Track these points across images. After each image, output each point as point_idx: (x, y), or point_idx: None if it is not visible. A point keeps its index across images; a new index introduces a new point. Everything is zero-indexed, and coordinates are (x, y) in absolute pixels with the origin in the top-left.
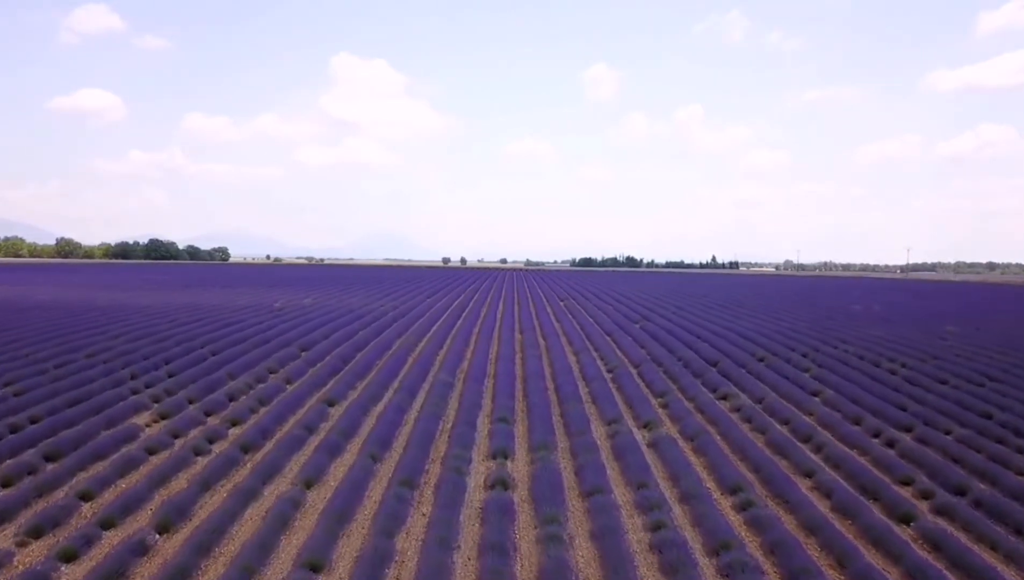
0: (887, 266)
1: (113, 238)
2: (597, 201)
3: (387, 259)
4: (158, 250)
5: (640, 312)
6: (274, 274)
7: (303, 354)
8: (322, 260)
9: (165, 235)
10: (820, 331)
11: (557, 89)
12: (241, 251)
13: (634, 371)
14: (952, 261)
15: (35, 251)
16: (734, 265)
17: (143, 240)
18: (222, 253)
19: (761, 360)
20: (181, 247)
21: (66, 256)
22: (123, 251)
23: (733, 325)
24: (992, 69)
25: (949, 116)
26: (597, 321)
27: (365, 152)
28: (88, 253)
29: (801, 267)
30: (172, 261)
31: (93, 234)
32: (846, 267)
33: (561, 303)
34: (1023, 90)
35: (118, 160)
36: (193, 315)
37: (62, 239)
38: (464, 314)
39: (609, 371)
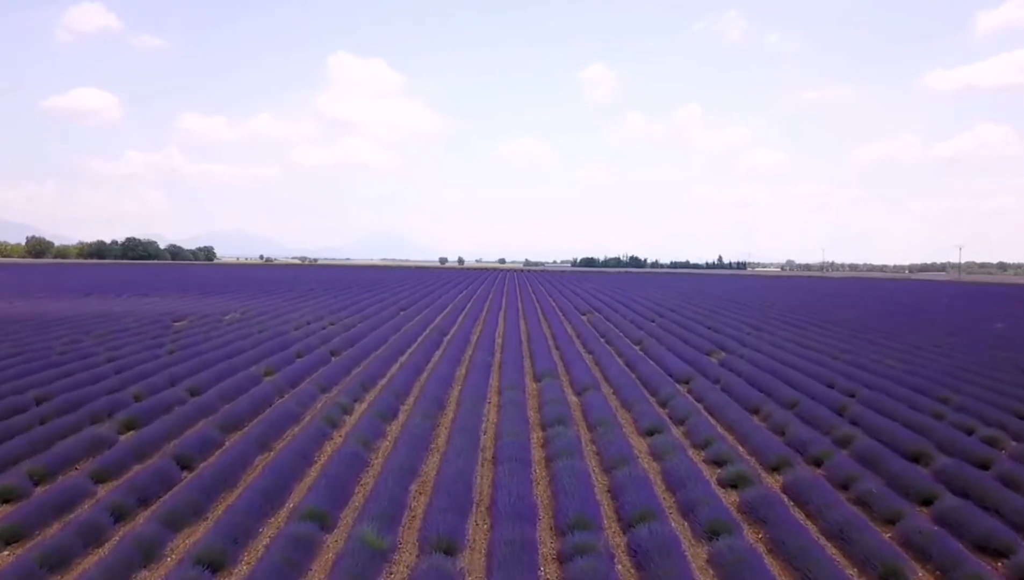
0: (895, 266)
1: (111, 238)
2: (596, 201)
3: (384, 259)
4: (135, 250)
5: (703, 334)
6: (245, 276)
7: (104, 452)
8: (315, 260)
9: (163, 236)
10: (1017, 374)
11: (555, 89)
12: (239, 252)
13: (777, 484)
14: (962, 261)
15: (5, 250)
16: (741, 265)
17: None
18: (207, 253)
19: (1003, 449)
20: (163, 246)
21: (38, 255)
22: (98, 250)
23: (861, 359)
24: (991, 69)
25: (948, 116)
26: (647, 351)
27: (363, 152)
28: (61, 252)
29: (807, 267)
30: (150, 261)
31: (93, 235)
32: (852, 267)
33: (583, 317)
34: (1022, 90)
35: (115, 160)
36: (17, 344)
37: (33, 238)
38: (447, 339)
39: (734, 487)
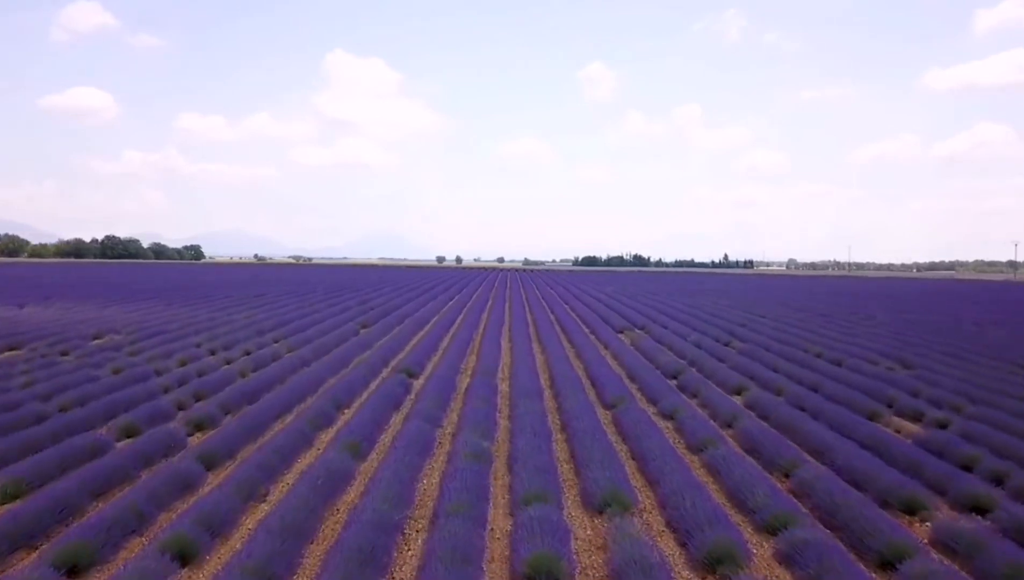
0: (902, 265)
1: (91, 237)
2: (595, 200)
3: (382, 258)
4: (115, 249)
5: (826, 372)
6: (210, 277)
7: None
8: (310, 260)
9: (162, 235)
10: None
11: (554, 88)
12: (239, 251)
13: None
14: (970, 259)
15: None
16: (749, 264)
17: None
18: (194, 252)
19: None
20: (162, 245)
21: (11, 254)
22: (77, 249)
23: None
24: (990, 68)
25: (947, 115)
26: (772, 418)
27: (362, 152)
28: (36, 252)
29: (813, 266)
30: (128, 261)
31: (94, 235)
32: (859, 266)
33: (621, 337)
34: (1021, 88)
35: (113, 160)
36: None
37: (6, 236)
38: (418, 387)
39: None
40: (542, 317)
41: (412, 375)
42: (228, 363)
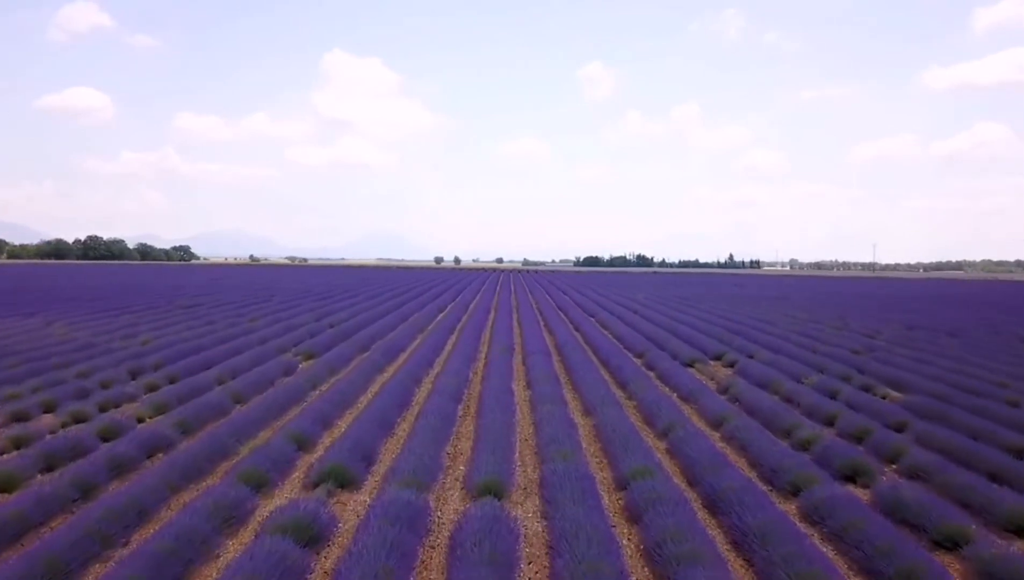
0: (907, 265)
1: (74, 238)
2: (594, 200)
3: (380, 259)
4: (97, 249)
5: None
6: (158, 279)
7: None
8: (305, 260)
9: (161, 236)
10: None
11: (553, 88)
12: (239, 252)
13: None
14: (977, 259)
15: None
16: (755, 264)
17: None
18: (183, 253)
19: None
20: (133, 245)
21: None
22: (57, 250)
23: None
24: (988, 67)
25: (946, 114)
26: None
27: (361, 152)
28: (15, 253)
29: (818, 266)
30: (114, 261)
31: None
32: (866, 266)
33: (695, 375)
34: (1019, 87)
35: (111, 160)
36: None
37: None
38: (336, 547)
39: None
40: (566, 338)
41: (345, 485)
42: (16, 448)
